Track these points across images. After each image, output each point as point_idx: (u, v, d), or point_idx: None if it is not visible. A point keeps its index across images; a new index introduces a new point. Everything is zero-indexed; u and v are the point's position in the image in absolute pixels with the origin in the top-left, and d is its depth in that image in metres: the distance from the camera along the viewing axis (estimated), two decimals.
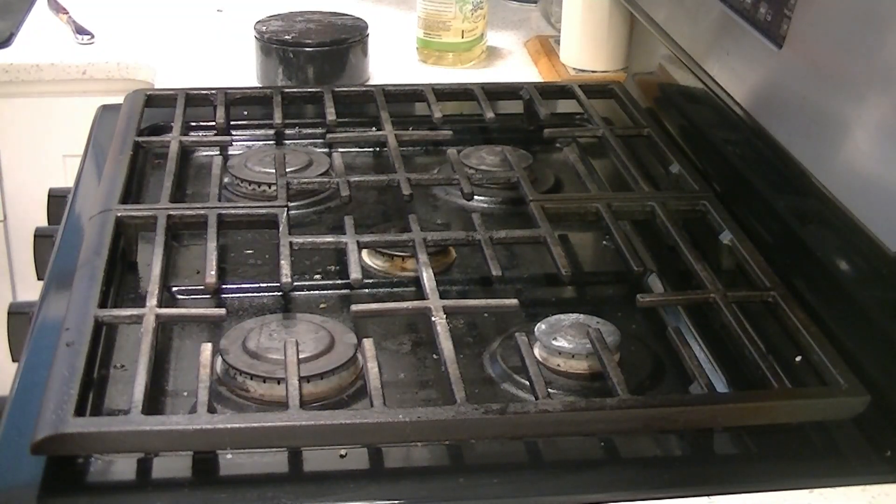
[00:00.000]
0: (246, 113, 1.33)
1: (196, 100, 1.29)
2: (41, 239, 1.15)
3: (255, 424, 0.75)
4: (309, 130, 1.30)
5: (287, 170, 1.16)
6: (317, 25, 1.47)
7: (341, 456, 0.79)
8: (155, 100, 1.31)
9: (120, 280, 1.00)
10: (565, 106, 1.38)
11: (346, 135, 1.26)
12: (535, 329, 0.90)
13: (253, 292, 1.00)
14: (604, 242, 1.10)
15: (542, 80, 1.51)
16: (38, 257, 1.14)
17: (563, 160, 1.27)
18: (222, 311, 0.90)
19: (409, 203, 1.09)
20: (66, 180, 1.63)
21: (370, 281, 1.01)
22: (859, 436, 0.83)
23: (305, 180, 1.13)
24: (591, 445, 0.82)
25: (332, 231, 1.07)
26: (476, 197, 1.13)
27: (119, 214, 1.02)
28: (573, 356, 0.88)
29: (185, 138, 1.21)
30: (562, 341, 0.89)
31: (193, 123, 1.29)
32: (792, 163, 0.92)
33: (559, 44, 1.55)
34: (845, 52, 0.86)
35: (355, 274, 0.95)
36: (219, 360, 0.86)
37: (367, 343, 0.85)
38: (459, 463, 0.81)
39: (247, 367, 0.84)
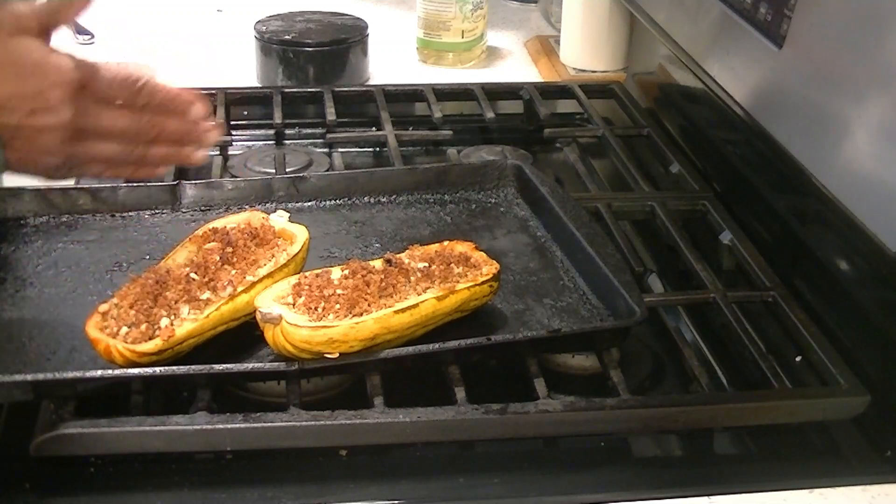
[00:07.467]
0: (246, 113, 1.33)
1: None
2: None
3: (255, 424, 0.75)
4: (309, 130, 1.30)
5: (287, 170, 1.16)
6: (317, 25, 1.47)
7: (341, 456, 0.79)
8: None
9: None
10: (565, 106, 1.38)
11: (346, 135, 1.26)
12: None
13: None
14: None
15: (542, 80, 1.51)
16: None
17: (563, 160, 1.27)
18: None
19: None
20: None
21: None
22: (859, 436, 0.83)
23: None
24: (591, 445, 0.82)
25: None
26: None
27: None
28: (573, 356, 0.88)
29: None
30: None
31: None
32: (792, 163, 0.92)
33: (559, 44, 1.54)
34: (845, 52, 0.86)
35: None
36: None
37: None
38: (459, 463, 0.81)
39: None
